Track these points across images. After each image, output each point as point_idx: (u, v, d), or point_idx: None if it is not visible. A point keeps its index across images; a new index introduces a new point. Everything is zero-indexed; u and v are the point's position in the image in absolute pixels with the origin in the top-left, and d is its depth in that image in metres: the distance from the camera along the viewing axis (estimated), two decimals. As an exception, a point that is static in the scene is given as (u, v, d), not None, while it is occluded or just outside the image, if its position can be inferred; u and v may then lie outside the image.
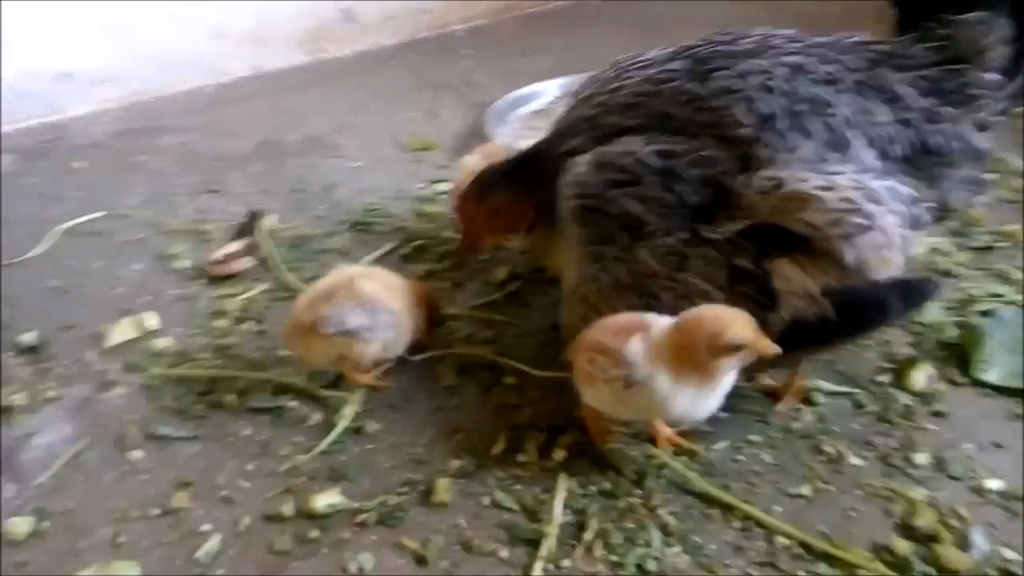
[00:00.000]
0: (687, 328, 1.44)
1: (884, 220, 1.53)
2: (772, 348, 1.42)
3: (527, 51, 3.82)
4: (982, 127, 1.64)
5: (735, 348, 1.40)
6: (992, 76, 1.62)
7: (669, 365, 1.43)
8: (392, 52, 3.95)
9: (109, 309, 2.13)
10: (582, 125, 1.71)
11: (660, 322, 1.48)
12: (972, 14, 1.62)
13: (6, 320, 2.10)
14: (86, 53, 3.38)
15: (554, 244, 1.77)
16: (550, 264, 1.90)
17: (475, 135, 2.98)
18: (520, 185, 1.80)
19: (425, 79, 3.59)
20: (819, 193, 1.51)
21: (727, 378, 1.46)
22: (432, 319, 1.88)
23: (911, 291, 1.58)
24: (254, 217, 2.45)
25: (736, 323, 1.41)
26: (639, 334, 1.46)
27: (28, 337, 2.01)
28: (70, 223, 2.56)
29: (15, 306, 2.17)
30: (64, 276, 2.30)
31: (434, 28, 4.14)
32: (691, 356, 1.42)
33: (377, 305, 1.73)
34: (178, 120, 3.34)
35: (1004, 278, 2.03)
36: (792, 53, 1.65)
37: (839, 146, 1.57)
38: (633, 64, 1.73)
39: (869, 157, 1.58)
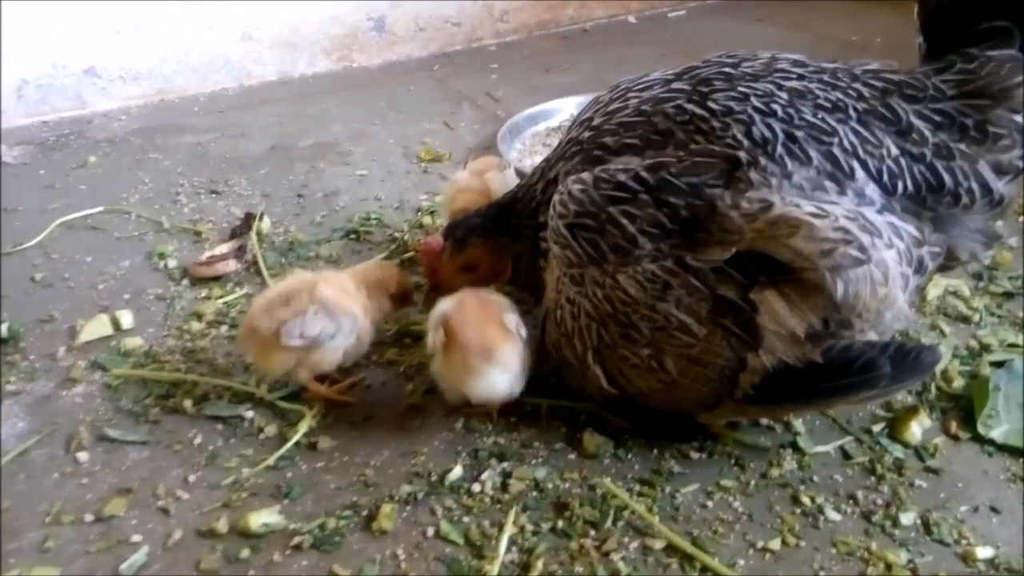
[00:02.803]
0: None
1: (881, 255, 1.41)
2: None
3: (556, 68, 3.74)
4: (1003, 170, 1.50)
5: None
6: (1018, 118, 1.48)
7: None
8: (419, 64, 3.91)
9: (88, 305, 2.10)
10: (574, 148, 1.64)
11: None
12: (1002, 51, 1.49)
13: (-10, 310, 2.08)
14: (114, 50, 3.41)
15: (537, 281, 1.71)
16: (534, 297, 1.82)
17: (488, 149, 2.91)
18: (495, 239, 1.74)
19: (448, 92, 3.54)
20: (810, 220, 1.39)
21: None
22: (402, 300, 1.82)
23: (906, 358, 1.45)
24: (249, 220, 2.41)
25: None
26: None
27: (1, 328, 1.98)
28: (69, 216, 2.54)
29: None
30: (52, 268, 2.29)
31: (466, 42, 4.10)
32: None
33: (338, 311, 1.66)
34: (197, 120, 3.34)
35: (1024, 327, 1.87)
36: (797, 78, 1.56)
37: (839, 176, 1.46)
38: (635, 85, 1.65)
39: (871, 190, 1.46)
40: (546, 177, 1.68)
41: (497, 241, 1.75)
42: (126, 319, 2.02)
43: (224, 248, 2.28)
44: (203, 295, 2.14)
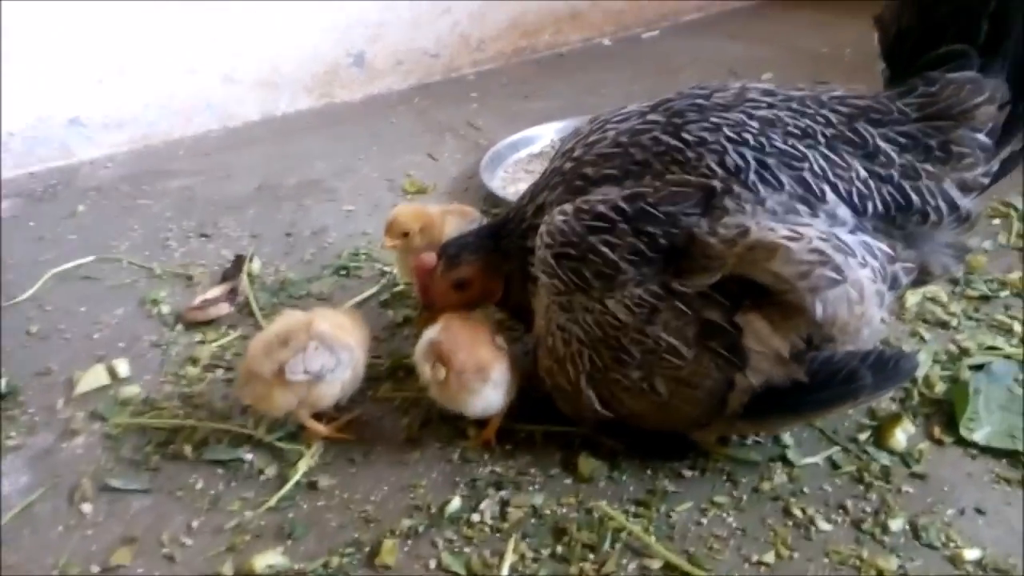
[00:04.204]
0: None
1: (856, 274, 1.46)
2: None
3: (534, 94, 3.80)
4: (967, 188, 1.56)
5: None
6: (980, 137, 1.55)
7: None
8: (400, 96, 3.96)
9: (84, 355, 2.13)
10: (557, 178, 1.69)
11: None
12: (961, 73, 1.55)
13: (-16, 365, 2.11)
14: (97, 99, 3.44)
15: (526, 303, 1.74)
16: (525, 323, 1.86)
17: (472, 178, 2.96)
18: (487, 256, 1.77)
19: (429, 123, 3.59)
20: (786, 243, 1.44)
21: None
22: None
23: (886, 365, 1.49)
24: (239, 262, 2.45)
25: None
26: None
27: (0, 383, 2.00)
28: (62, 267, 2.57)
29: (-4, 351, 2.18)
30: (47, 321, 2.31)
31: (445, 72, 4.16)
32: None
33: (336, 344, 1.71)
34: (183, 164, 3.37)
35: (1002, 329, 1.93)
36: (767, 107, 1.61)
37: (810, 199, 1.51)
38: (612, 117, 1.70)
39: (842, 211, 1.51)
40: (535, 202, 1.71)
41: (489, 258, 1.76)
42: (122, 368, 2.04)
43: (216, 291, 2.31)
44: (197, 340, 2.16)
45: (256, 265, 2.44)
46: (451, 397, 1.67)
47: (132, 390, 1.97)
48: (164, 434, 1.83)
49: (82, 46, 3.30)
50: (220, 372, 2.02)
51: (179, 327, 2.23)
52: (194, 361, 2.07)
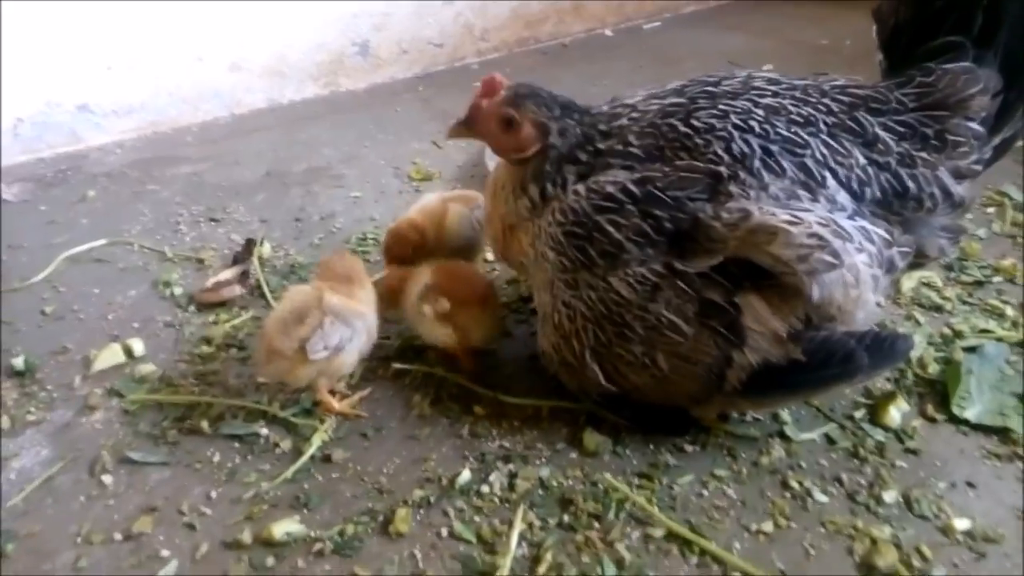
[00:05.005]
0: None
1: (853, 259, 1.51)
2: None
3: (537, 84, 3.83)
4: (961, 175, 1.62)
5: None
6: (974, 126, 1.60)
7: None
8: (405, 85, 4.01)
9: (100, 335, 2.18)
10: (621, 124, 1.70)
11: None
12: (957, 64, 1.61)
13: (4, 344, 2.15)
14: (106, 86, 3.48)
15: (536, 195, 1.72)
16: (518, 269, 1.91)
17: (476, 165, 3.01)
18: (548, 118, 1.69)
19: (434, 111, 3.64)
20: (786, 227, 1.50)
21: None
22: None
23: (882, 346, 1.55)
24: (250, 245, 2.50)
25: None
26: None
27: (17, 361, 2.05)
28: (74, 250, 2.62)
29: (13, 330, 2.23)
30: (62, 301, 2.36)
31: (449, 62, 4.20)
32: None
33: (349, 315, 1.76)
34: (192, 151, 3.42)
35: (994, 313, 1.99)
36: (772, 95, 1.67)
37: (811, 185, 1.57)
38: (626, 102, 1.75)
39: (842, 197, 1.57)
40: (608, 126, 1.69)
41: (547, 121, 1.69)
42: (138, 347, 2.09)
43: (228, 274, 2.36)
44: (211, 320, 2.22)
45: (266, 249, 2.49)
46: (453, 330, 1.85)
47: (148, 368, 2.02)
48: (180, 410, 1.88)
49: (91, 34, 3.34)
50: (234, 351, 2.08)
51: (192, 308, 2.28)
52: (208, 341, 2.12)
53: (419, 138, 3.35)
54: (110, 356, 2.06)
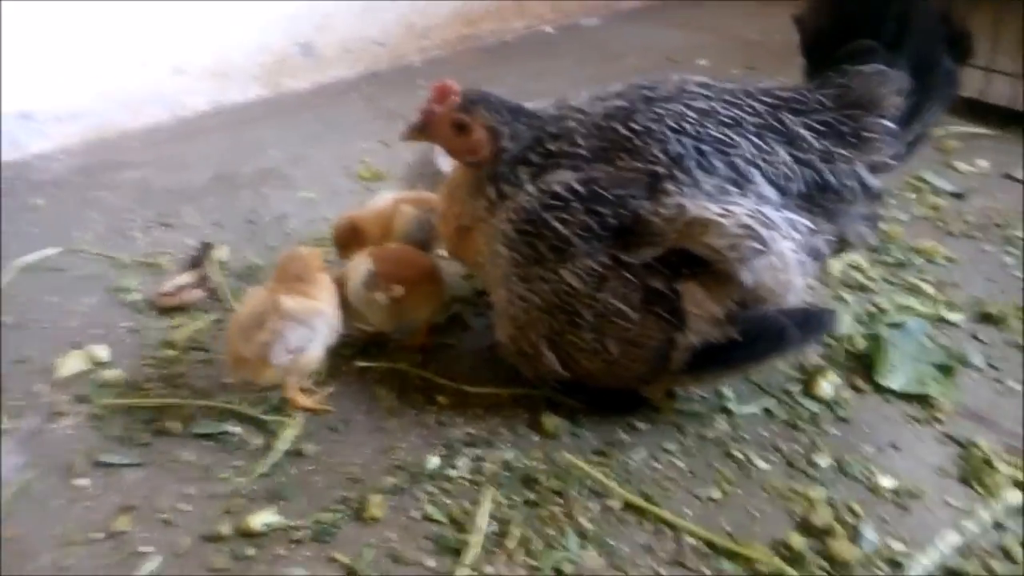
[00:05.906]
0: None
1: (779, 246, 1.66)
2: None
3: (480, 81, 3.86)
4: (876, 168, 1.77)
5: None
6: (886, 123, 1.75)
7: None
8: (349, 85, 4.05)
9: (61, 342, 2.20)
10: (567, 125, 1.79)
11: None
12: (869, 66, 1.75)
13: (-38, 356, 2.16)
14: (47, 92, 3.45)
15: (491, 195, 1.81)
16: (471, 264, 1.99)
17: (426, 164, 3.07)
18: (499, 122, 1.78)
19: (379, 110, 3.70)
20: (718, 219, 1.63)
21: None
22: None
23: (811, 321, 1.70)
24: (205, 249, 2.54)
25: None
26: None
27: (-20, 371, 2.07)
28: (27, 259, 2.61)
29: (-30, 342, 2.23)
30: (18, 311, 2.36)
31: (392, 61, 4.25)
32: None
33: (308, 316, 1.82)
34: (137, 155, 3.41)
35: (915, 291, 2.15)
36: (703, 98, 1.79)
37: (740, 181, 1.71)
38: (572, 104, 1.85)
39: (769, 192, 1.71)
40: (554, 128, 1.78)
41: (498, 125, 1.77)
42: (102, 353, 2.12)
43: (186, 278, 2.40)
44: (172, 324, 2.25)
45: (224, 252, 2.53)
46: (405, 311, 1.98)
47: (114, 373, 2.06)
48: (150, 412, 1.92)
49: (30, 40, 3.30)
50: (198, 354, 2.12)
51: (152, 313, 2.31)
52: (171, 344, 2.16)
53: (366, 137, 3.41)
54: (74, 363, 2.09)
